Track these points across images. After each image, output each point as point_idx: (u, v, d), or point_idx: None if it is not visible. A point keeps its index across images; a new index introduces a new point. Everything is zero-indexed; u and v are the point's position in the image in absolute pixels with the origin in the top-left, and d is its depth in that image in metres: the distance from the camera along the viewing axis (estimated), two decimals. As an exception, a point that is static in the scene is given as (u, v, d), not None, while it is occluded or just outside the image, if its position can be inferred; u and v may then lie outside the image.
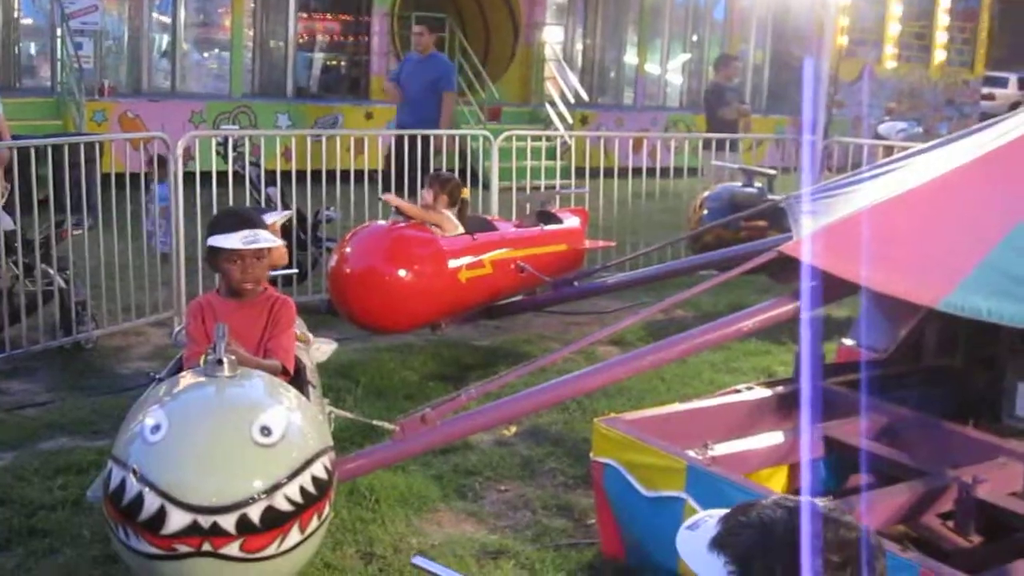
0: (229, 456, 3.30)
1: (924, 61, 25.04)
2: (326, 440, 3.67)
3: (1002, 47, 31.18)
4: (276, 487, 3.28)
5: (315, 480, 3.40)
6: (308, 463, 3.41)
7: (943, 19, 25.29)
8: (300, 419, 3.55)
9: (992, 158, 4.78)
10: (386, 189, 8.78)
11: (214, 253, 4.32)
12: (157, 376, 4.24)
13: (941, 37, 25.30)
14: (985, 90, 27.55)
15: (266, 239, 4.32)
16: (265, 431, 3.33)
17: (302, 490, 3.35)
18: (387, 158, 9.90)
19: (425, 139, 9.57)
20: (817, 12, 19.92)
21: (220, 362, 3.50)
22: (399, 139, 9.73)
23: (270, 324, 4.37)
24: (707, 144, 11.67)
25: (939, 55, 25.31)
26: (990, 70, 28.55)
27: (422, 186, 8.20)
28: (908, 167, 5.27)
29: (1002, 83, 29.57)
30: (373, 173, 10.09)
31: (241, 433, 3.32)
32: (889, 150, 9.16)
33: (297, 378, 4.39)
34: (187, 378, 3.65)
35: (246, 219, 4.41)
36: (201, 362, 3.67)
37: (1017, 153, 4.74)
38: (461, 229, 7.40)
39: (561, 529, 5.00)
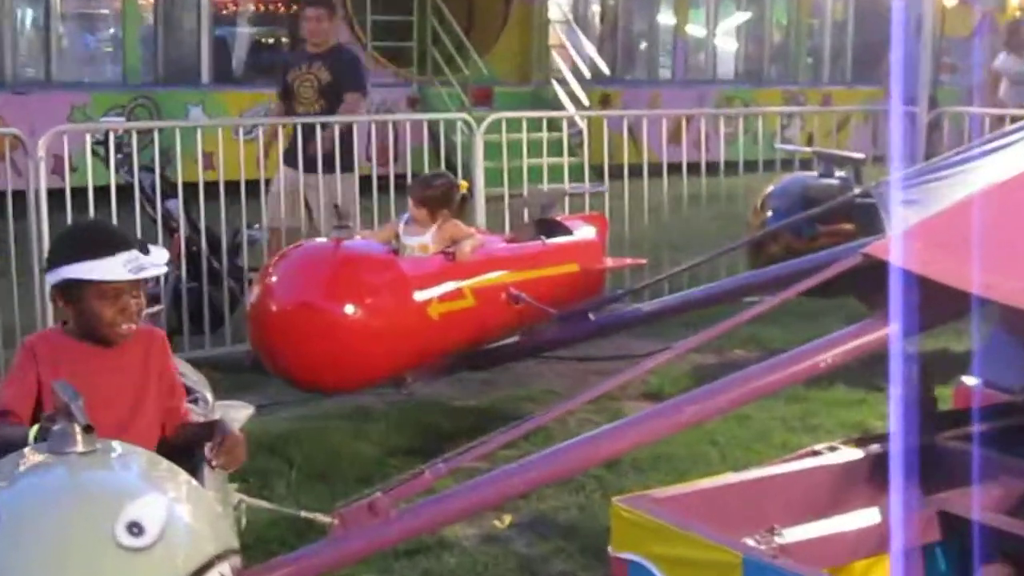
0: (81, 566, 3.11)
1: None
2: (227, 541, 3.48)
3: None
4: (150, 609, 3.12)
5: (208, 598, 3.23)
6: (198, 574, 3.23)
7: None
8: (188, 512, 3.37)
9: None
10: None
11: (75, 286, 4.16)
12: None
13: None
14: None
15: (154, 263, 4.22)
16: (135, 529, 3.15)
17: (189, 613, 3.18)
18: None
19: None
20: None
21: (69, 434, 3.33)
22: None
23: (152, 375, 4.29)
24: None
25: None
26: None
27: None
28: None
29: None
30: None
31: (99, 532, 3.14)
32: (1014, 119, 9.01)
33: (191, 457, 4.22)
34: (27, 457, 3.48)
35: (120, 237, 4.28)
36: (31, 436, 3.58)
37: None
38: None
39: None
